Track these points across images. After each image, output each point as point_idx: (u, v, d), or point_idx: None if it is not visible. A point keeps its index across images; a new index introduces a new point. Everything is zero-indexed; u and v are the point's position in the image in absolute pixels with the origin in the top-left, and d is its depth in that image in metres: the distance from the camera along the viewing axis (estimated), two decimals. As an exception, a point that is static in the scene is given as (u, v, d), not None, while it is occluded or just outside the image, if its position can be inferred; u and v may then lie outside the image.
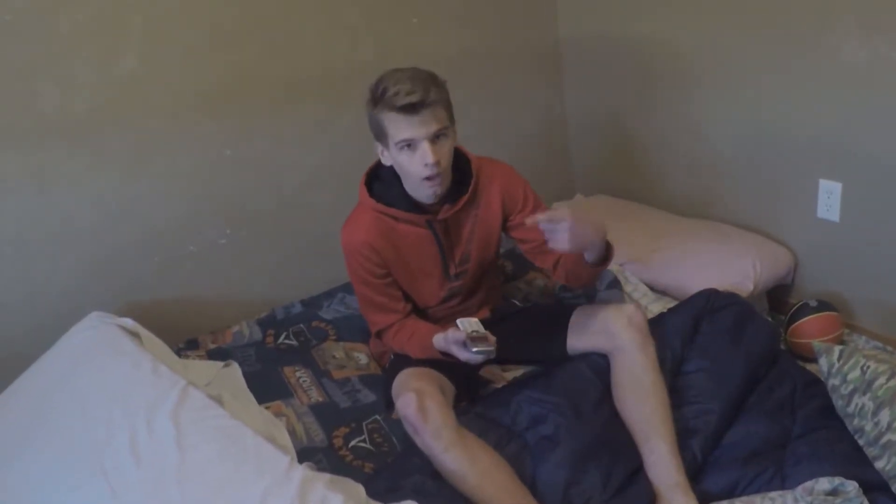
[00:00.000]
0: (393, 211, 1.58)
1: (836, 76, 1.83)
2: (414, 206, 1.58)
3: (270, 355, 1.90)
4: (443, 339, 1.51)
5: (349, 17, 2.10)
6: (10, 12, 1.65)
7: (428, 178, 1.49)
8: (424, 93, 1.44)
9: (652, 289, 2.06)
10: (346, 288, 2.16)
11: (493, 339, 1.47)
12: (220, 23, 1.91)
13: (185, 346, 1.95)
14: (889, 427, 1.37)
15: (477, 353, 1.45)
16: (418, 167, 1.48)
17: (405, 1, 2.18)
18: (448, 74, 2.28)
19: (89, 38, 1.75)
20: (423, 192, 1.54)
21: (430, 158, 1.46)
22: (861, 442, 1.44)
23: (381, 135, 1.51)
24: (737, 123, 2.12)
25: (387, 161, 1.56)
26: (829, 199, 1.97)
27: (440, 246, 1.62)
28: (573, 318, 1.67)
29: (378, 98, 1.46)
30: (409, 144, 1.47)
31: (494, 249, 1.72)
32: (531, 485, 1.44)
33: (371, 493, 1.26)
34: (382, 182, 1.61)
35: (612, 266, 2.10)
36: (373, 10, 2.13)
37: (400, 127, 1.45)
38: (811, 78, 1.89)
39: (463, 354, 1.47)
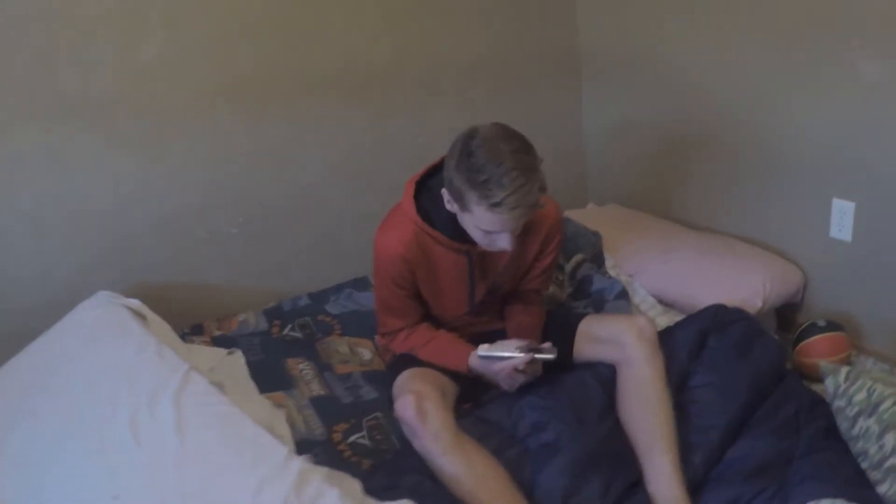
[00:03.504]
0: (435, 233, 1.52)
1: (852, 93, 1.82)
2: (458, 233, 1.51)
3: (275, 346, 1.90)
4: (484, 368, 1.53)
5: (369, 16, 2.10)
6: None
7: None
8: (530, 208, 1.35)
9: (660, 301, 2.05)
10: (354, 283, 2.16)
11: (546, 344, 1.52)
12: (242, 16, 1.92)
13: (191, 331, 1.96)
14: (893, 451, 1.35)
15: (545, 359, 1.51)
16: (487, 244, 1.44)
17: (424, 4, 2.18)
18: (465, 78, 2.33)
19: (113, 23, 1.76)
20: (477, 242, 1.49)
21: (510, 249, 1.42)
22: (864, 465, 1.42)
23: (460, 203, 1.39)
24: (751, 139, 2.11)
25: (449, 207, 1.44)
26: (842, 218, 1.95)
27: (471, 275, 1.60)
28: (581, 327, 1.66)
29: (475, 184, 1.33)
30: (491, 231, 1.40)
31: (523, 280, 1.70)
32: (529, 492, 1.43)
33: (368, 491, 1.25)
34: (432, 197, 1.51)
35: (621, 277, 2.10)
36: (392, 12, 2.14)
37: (488, 221, 1.37)
38: (827, 95, 1.88)
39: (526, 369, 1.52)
